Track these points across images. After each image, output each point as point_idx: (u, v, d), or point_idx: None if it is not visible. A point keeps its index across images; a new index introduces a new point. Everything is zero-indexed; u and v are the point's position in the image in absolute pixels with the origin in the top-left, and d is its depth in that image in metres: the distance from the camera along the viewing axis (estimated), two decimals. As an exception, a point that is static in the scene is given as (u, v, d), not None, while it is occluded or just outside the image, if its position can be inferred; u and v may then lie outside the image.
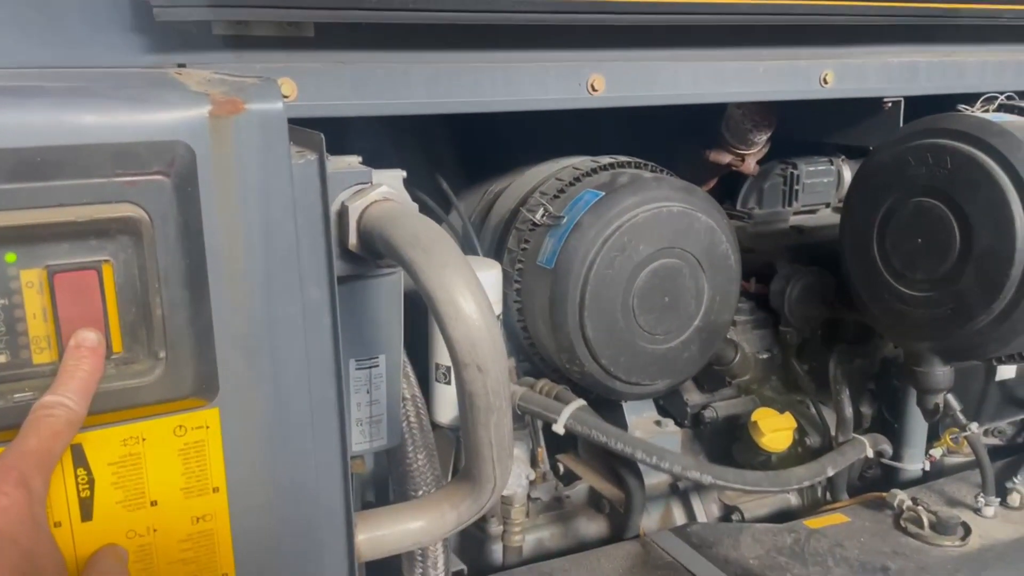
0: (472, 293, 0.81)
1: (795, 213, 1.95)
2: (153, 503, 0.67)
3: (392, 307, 1.06)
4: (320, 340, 0.74)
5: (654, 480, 1.63)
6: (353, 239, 0.93)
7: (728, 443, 1.69)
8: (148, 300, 0.63)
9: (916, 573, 1.29)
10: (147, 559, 0.68)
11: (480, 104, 1.28)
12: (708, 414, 1.67)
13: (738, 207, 1.95)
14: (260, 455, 0.70)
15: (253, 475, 0.70)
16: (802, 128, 1.76)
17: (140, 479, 0.66)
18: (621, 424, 1.64)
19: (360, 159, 1.04)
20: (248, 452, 0.70)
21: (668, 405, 1.74)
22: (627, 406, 1.66)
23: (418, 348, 1.36)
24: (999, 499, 1.44)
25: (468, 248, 1.52)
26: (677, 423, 1.70)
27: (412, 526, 0.99)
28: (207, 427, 0.67)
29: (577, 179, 1.44)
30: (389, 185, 0.96)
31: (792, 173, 1.92)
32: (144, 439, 0.66)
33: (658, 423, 1.68)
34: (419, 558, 1.29)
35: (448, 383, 1.37)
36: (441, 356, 1.37)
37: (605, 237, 1.33)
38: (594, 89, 1.35)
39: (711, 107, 1.76)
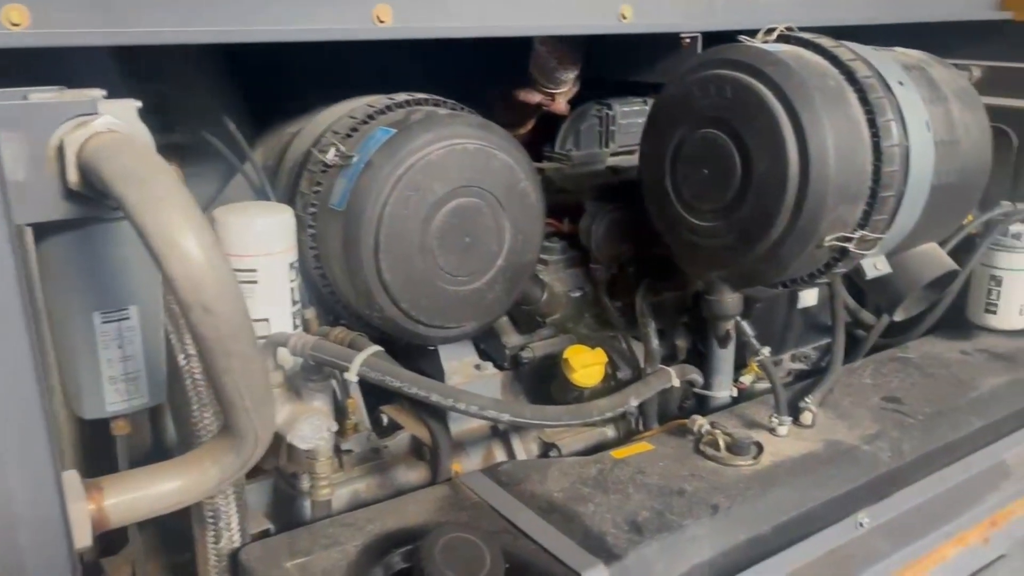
0: (192, 228, 0.75)
1: (612, 154, 1.97)
2: None
3: (141, 253, 0.97)
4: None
5: (474, 424, 1.62)
6: (73, 177, 0.84)
7: (548, 382, 1.70)
8: None
9: (709, 493, 1.33)
10: None
11: (247, 34, 1.19)
12: (525, 355, 1.67)
13: (556, 149, 1.94)
14: (-77, 417, 0.62)
15: (-84, 440, 0.62)
16: (609, 67, 1.76)
17: None
18: (437, 369, 1.62)
19: (104, 93, 0.94)
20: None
21: (488, 348, 1.73)
22: (445, 351, 1.64)
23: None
24: (792, 418, 1.51)
25: (261, 194, 1.44)
26: (497, 365, 1.70)
27: (169, 486, 0.93)
28: None
29: (370, 117, 1.38)
30: (117, 116, 0.88)
31: (607, 114, 1.93)
32: None
33: (478, 367, 1.67)
34: (211, 520, 1.23)
35: (239, 336, 1.30)
36: (230, 308, 1.30)
37: (398, 176, 1.29)
38: (380, 20, 1.29)
39: (519, 45, 1.74)
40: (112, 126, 0.85)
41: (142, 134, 0.89)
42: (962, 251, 1.77)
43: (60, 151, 0.84)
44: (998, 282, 1.79)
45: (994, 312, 1.82)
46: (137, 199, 0.73)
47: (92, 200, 0.87)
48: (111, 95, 0.96)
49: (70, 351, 0.99)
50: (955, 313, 1.89)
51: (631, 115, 1.95)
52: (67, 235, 0.92)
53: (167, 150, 1.53)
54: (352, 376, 1.21)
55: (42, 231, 0.93)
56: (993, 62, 2.10)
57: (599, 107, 1.94)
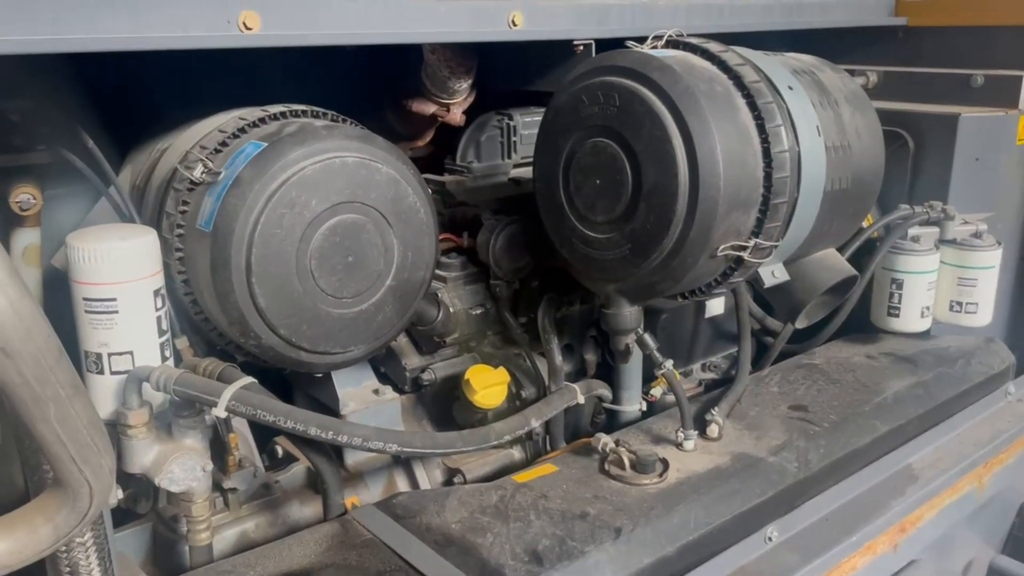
0: (-18, 260, 0.65)
1: (515, 165, 1.91)
2: None
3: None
4: None
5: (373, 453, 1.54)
6: None
7: (451, 404, 1.63)
8: None
9: (613, 515, 1.28)
10: None
11: (105, 43, 1.10)
12: (426, 377, 1.60)
13: (457, 161, 1.88)
14: None
15: None
16: (503, 76, 1.71)
17: None
18: (331, 396, 1.53)
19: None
20: None
21: (388, 371, 1.65)
22: (340, 376, 1.55)
23: (66, 334, 1.16)
24: (698, 432, 1.48)
25: (124, 215, 1.34)
26: (397, 389, 1.62)
27: (-9, 549, 0.82)
28: None
29: (241, 131, 1.29)
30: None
31: (508, 124, 1.87)
32: None
33: (376, 391, 1.59)
34: (68, 574, 1.11)
35: (100, 372, 1.19)
36: (90, 343, 1.19)
37: (270, 193, 1.20)
38: (247, 27, 1.20)
39: (411, 55, 1.67)
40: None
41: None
42: (863, 255, 1.78)
43: None
44: (899, 285, 1.80)
45: (897, 315, 1.83)
46: (-87, 228, 0.63)
47: None
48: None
49: None
50: (859, 316, 1.89)
51: (533, 125, 1.89)
52: None
53: (26, 171, 1.42)
54: (220, 412, 1.11)
55: None
56: (889, 67, 2.13)
57: (500, 117, 1.88)
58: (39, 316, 0.68)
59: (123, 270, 1.15)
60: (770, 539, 1.35)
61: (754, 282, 1.38)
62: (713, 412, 1.51)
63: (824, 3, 2.02)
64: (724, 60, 1.27)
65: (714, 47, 1.30)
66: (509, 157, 1.90)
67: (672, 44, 1.34)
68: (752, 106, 1.23)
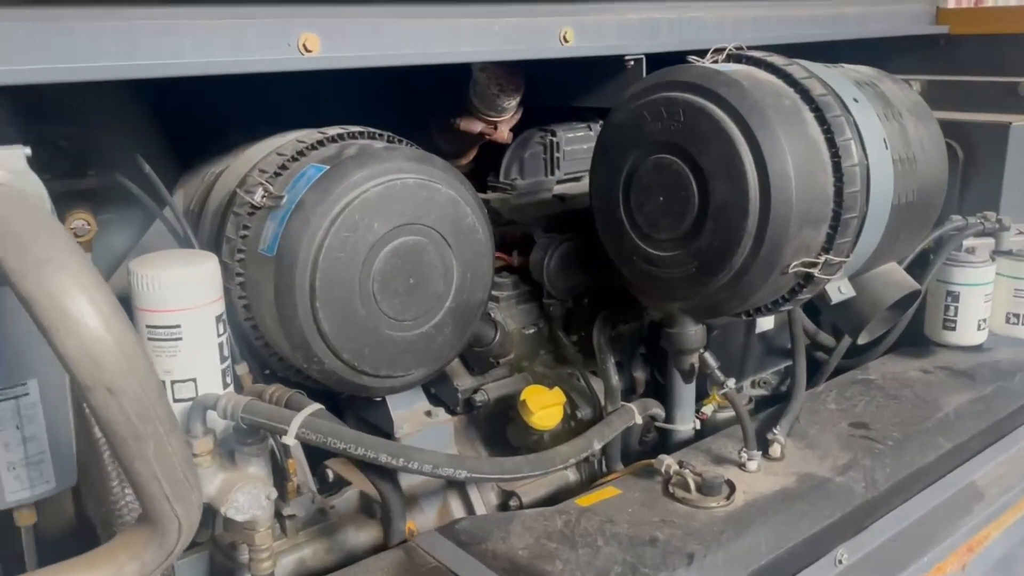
0: (88, 296, 0.64)
1: (559, 182, 1.89)
2: None
3: (38, 319, 0.85)
4: None
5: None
6: (-53, 238, 0.72)
7: (504, 425, 1.61)
8: None
9: (683, 540, 1.25)
10: None
11: (164, 68, 1.09)
12: (479, 398, 1.58)
13: (501, 179, 1.86)
14: None
15: None
16: (552, 92, 1.69)
17: None
18: (386, 419, 1.51)
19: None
20: None
21: (440, 393, 1.63)
22: (394, 399, 1.53)
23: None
24: (761, 452, 1.45)
25: (183, 240, 1.32)
26: (449, 411, 1.60)
27: (79, 588, 0.80)
28: None
29: (301, 153, 1.28)
30: (2, 166, 0.76)
31: (552, 141, 1.86)
32: None
33: (429, 413, 1.57)
34: (135, 610, 1.09)
35: (163, 399, 1.18)
36: (152, 369, 1.17)
37: (333, 216, 1.19)
38: (307, 49, 1.19)
39: (460, 73, 1.66)
40: (-6, 178, 0.73)
41: (32, 185, 0.77)
42: (917, 268, 1.75)
43: (-68, 208, 0.72)
44: (955, 298, 1.77)
45: (953, 328, 1.79)
46: (18, 261, 0.62)
47: (-27, 263, 0.75)
48: (5, 140, 0.85)
49: (-43, 435, 0.86)
50: (912, 330, 1.86)
51: (576, 141, 1.89)
52: (-54, 304, 0.79)
53: (79, 196, 1.41)
54: (290, 440, 1.09)
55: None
56: (931, 76, 2.11)
57: (543, 134, 1.86)
58: (141, 352, 0.67)
59: (188, 296, 1.14)
60: (840, 561, 1.32)
61: (818, 299, 1.35)
62: (775, 431, 1.48)
63: (864, 13, 2.01)
64: (790, 73, 1.25)
65: (778, 60, 1.28)
66: (552, 174, 1.88)
67: (733, 58, 1.33)
68: (820, 120, 1.21)
